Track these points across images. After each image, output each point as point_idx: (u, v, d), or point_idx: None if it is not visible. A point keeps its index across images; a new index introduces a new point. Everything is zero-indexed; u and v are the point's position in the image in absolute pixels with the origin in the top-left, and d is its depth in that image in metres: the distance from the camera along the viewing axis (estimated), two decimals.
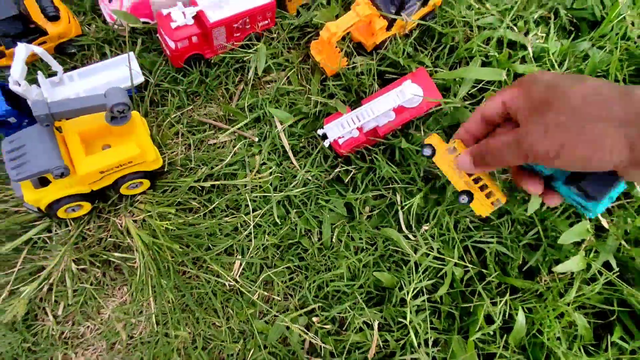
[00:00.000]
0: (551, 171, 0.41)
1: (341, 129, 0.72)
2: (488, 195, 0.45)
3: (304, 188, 0.76)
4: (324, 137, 0.74)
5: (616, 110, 0.32)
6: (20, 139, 0.58)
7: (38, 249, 0.68)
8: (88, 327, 0.69)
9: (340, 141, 0.74)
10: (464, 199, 0.45)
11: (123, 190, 0.68)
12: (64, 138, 0.61)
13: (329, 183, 0.78)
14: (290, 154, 0.78)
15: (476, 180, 0.44)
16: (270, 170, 0.75)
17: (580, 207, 0.41)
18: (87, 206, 0.67)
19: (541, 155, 0.35)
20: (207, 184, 0.72)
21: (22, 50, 0.62)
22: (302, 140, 0.80)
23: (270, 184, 0.75)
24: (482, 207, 0.45)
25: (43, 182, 0.60)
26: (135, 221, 0.70)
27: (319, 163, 0.78)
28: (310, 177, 0.77)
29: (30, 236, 0.67)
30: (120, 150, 0.61)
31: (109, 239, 0.69)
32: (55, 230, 0.68)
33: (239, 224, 0.73)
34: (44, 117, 0.55)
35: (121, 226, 0.69)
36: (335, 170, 0.77)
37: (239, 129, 0.79)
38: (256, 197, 0.75)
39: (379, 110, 0.72)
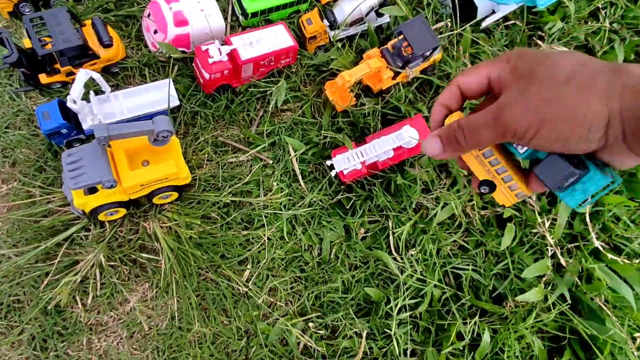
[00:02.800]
0: (526, 154, 0.36)
1: (347, 162, 0.84)
2: (512, 187, 0.38)
3: (309, 209, 0.87)
4: (331, 167, 0.86)
5: (601, 84, 0.29)
6: (78, 153, 0.68)
7: (75, 245, 0.78)
8: (112, 316, 0.79)
9: (345, 172, 0.86)
10: (484, 189, 0.38)
11: (155, 199, 0.78)
12: (112, 153, 0.72)
13: (332, 206, 0.89)
14: (299, 177, 0.90)
15: (499, 171, 0.38)
16: (283, 191, 0.86)
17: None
18: (122, 211, 0.77)
19: (520, 132, 0.31)
20: (228, 200, 0.83)
21: (83, 75, 0.73)
22: (311, 166, 0.92)
23: (281, 203, 0.86)
24: (504, 197, 0.38)
25: (92, 190, 0.70)
26: (162, 227, 0.80)
27: (324, 188, 0.89)
28: (315, 200, 0.88)
29: (70, 233, 0.77)
30: (160, 168, 0.72)
31: (138, 241, 0.79)
32: (92, 230, 0.78)
33: (250, 237, 0.84)
34: (103, 139, 0.65)
35: (149, 231, 0.80)
36: (338, 196, 0.89)
37: (256, 151, 0.90)
38: (268, 213, 0.85)
39: (381, 148, 0.84)
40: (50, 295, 0.74)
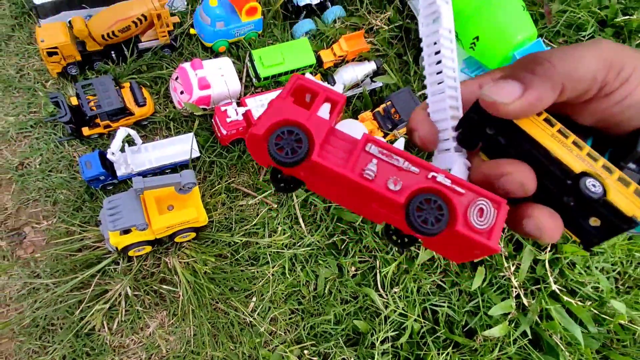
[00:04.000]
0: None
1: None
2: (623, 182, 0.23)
3: (308, 248, 1.01)
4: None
5: None
6: (117, 200, 0.81)
7: (106, 276, 0.90)
8: (133, 340, 0.90)
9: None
10: (593, 185, 0.22)
11: (176, 239, 0.91)
12: (144, 199, 0.85)
13: (327, 246, 1.02)
14: (300, 220, 1.03)
15: (592, 158, 0.23)
16: (286, 233, 1.00)
17: None
18: (148, 248, 0.90)
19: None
20: (239, 240, 0.96)
21: (122, 132, 0.87)
22: (311, 210, 1.06)
23: (283, 243, 0.99)
24: (629, 201, 0.22)
25: (126, 231, 0.83)
26: (180, 262, 0.93)
27: (322, 230, 1.03)
28: (313, 240, 1.01)
29: (102, 266, 0.89)
30: (183, 214, 0.85)
31: (160, 274, 0.92)
32: (121, 264, 0.91)
33: (256, 272, 0.97)
34: (140, 189, 0.79)
35: (170, 265, 0.92)
36: (333, 238, 1.02)
37: (263, 197, 1.04)
38: (271, 252, 0.99)
39: None
40: (84, 321, 0.86)
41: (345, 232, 1.03)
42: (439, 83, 0.26)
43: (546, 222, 0.23)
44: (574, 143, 0.23)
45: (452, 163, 0.26)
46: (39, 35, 0.94)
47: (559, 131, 0.23)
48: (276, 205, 1.04)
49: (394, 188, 0.24)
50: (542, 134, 0.23)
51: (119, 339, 0.89)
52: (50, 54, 0.95)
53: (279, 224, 1.02)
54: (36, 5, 0.99)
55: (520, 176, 0.23)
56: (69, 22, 1.00)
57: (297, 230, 1.03)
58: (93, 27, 0.98)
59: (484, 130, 0.24)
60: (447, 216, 0.24)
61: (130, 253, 0.88)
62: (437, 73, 0.26)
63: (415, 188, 0.24)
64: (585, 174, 0.22)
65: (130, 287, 0.90)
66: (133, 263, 0.92)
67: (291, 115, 0.26)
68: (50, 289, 0.88)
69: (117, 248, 0.86)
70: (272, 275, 0.96)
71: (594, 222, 0.22)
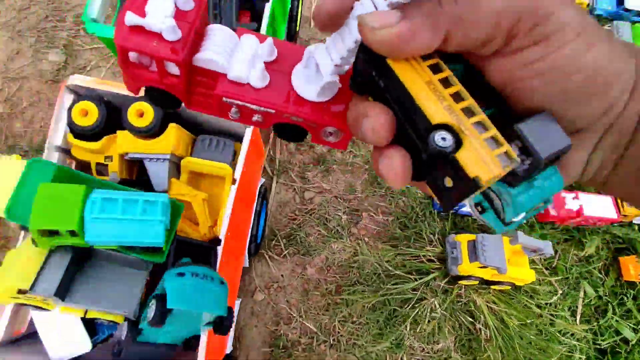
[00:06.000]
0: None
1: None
2: (490, 144, 0.18)
3: None
4: None
5: None
6: (488, 238, 0.94)
7: (427, 288, 1.05)
8: (423, 348, 1.03)
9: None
10: (443, 138, 0.18)
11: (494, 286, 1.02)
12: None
13: None
14: None
15: (467, 112, 0.19)
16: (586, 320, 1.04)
17: (488, 205, 0.21)
18: (475, 282, 1.02)
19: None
20: (537, 311, 1.03)
21: None
22: None
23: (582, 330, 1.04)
24: (479, 160, 0.17)
25: (483, 266, 0.96)
26: (487, 305, 1.03)
27: None
28: None
29: (429, 279, 1.04)
30: (519, 271, 0.95)
31: (467, 305, 1.04)
32: (442, 284, 1.04)
33: (546, 346, 1.03)
34: (515, 241, 0.90)
35: (477, 304, 1.03)
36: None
37: None
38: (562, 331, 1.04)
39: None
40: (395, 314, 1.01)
41: None
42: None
43: (396, 164, 0.19)
44: (456, 94, 0.19)
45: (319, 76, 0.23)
46: None
47: (443, 80, 0.19)
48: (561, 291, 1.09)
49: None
50: (414, 78, 0.19)
51: (414, 341, 1.03)
52: None
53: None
54: None
55: (373, 122, 0.20)
56: None
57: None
58: None
59: (370, 73, 0.21)
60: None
61: (461, 282, 1.00)
62: None
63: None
64: (441, 126, 0.18)
65: (439, 305, 1.03)
66: (451, 286, 1.05)
67: None
68: (379, 274, 1.05)
69: (458, 272, 0.99)
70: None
71: (449, 182, 0.18)
